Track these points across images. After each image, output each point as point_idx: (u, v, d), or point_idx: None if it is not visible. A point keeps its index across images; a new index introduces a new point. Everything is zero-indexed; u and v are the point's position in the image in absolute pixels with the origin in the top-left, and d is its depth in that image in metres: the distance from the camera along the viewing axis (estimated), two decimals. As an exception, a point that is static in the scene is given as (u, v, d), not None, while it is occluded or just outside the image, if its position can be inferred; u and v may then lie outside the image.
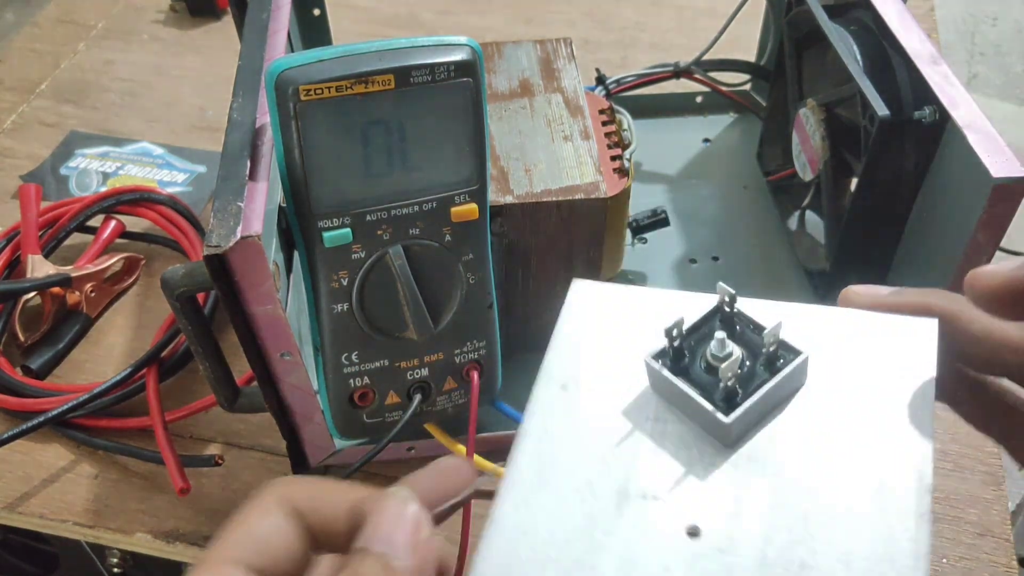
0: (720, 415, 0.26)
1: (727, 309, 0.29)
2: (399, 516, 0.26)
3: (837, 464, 0.26)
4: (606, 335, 0.30)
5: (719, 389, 0.27)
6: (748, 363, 0.28)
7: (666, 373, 0.27)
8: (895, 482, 0.25)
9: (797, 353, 0.27)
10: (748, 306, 0.29)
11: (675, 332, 0.28)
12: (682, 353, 0.28)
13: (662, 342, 0.28)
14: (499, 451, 0.51)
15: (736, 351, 0.27)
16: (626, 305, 0.30)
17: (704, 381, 0.27)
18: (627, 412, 0.28)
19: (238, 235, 0.37)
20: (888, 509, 0.25)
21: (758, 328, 0.28)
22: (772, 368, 0.27)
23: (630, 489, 0.26)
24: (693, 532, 0.25)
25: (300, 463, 0.50)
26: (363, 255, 0.41)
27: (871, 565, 0.23)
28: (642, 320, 0.30)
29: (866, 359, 0.28)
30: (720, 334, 0.28)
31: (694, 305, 0.29)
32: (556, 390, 0.28)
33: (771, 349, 0.27)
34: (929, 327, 0.28)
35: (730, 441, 0.27)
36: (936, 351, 0.28)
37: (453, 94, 0.39)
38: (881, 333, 0.29)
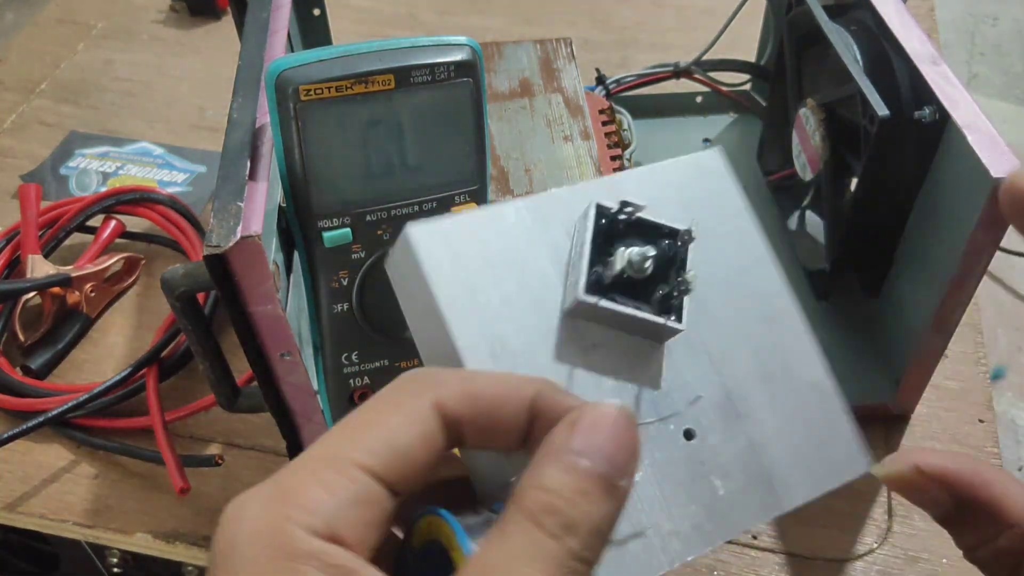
0: (673, 323, 0.30)
1: (621, 217, 0.30)
2: (626, 433, 0.23)
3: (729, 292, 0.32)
4: (485, 279, 0.29)
5: (654, 299, 0.30)
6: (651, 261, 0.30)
7: (608, 304, 0.29)
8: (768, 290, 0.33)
9: (688, 234, 0.30)
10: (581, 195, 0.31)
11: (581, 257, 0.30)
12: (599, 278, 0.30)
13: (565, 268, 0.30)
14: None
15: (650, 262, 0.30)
16: (479, 238, 0.30)
17: (633, 294, 0.30)
18: (560, 355, 0.29)
19: (238, 235, 0.37)
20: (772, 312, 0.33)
21: (649, 228, 0.30)
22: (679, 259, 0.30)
23: None
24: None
25: (300, 463, 0.50)
26: (363, 255, 0.41)
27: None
28: (507, 247, 0.30)
29: (686, 202, 0.33)
30: (636, 249, 0.29)
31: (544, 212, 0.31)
32: (487, 361, 0.28)
33: (679, 245, 0.30)
34: (711, 155, 0.34)
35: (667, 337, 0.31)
36: (726, 171, 0.34)
37: (453, 94, 0.39)
38: (684, 178, 0.33)
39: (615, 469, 0.22)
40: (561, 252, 0.30)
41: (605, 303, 0.29)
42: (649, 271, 0.29)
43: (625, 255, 0.29)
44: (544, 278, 0.30)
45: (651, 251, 0.29)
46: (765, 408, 0.32)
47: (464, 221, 0.29)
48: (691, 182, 0.34)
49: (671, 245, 0.30)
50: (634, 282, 0.29)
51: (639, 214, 0.30)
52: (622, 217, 0.30)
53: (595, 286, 0.29)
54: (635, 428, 0.24)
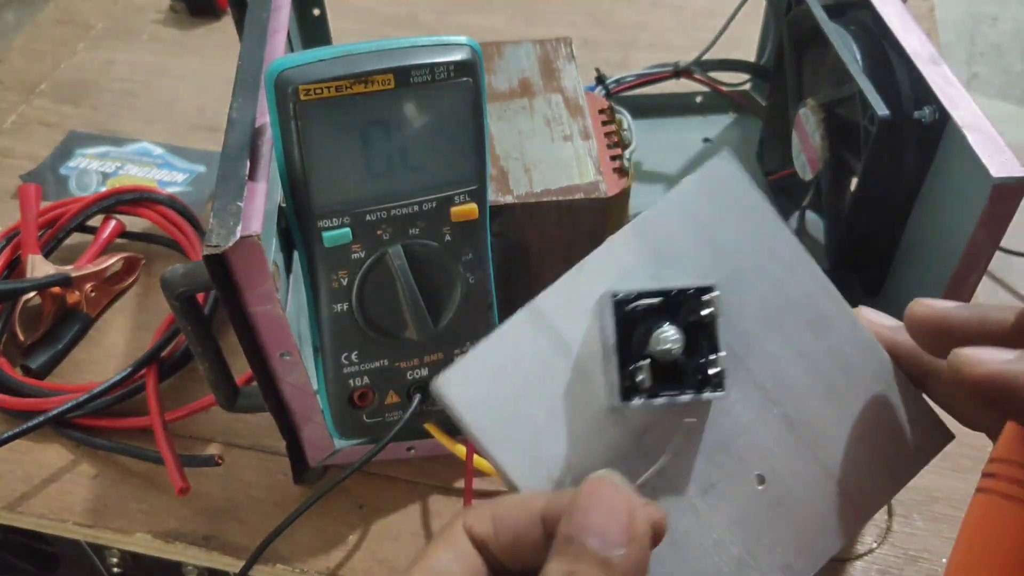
0: (716, 394, 0.30)
1: (640, 308, 0.31)
2: (613, 502, 0.24)
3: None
4: (521, 404, 0.31)
5: (689, 380, 0.30)
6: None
7: (646, 402, 0.30)
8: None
9: (711, 293, 0.30)
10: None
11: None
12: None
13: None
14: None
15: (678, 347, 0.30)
16: (500, 364, 0.31)
17: (669, 376, 0.30)
18: (615, 453, 0.31)
19: (238, 235, 0.37)
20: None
21: (671, 301, 0.31)
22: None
23: None
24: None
25: (300, 463, 0.50)
26: (363, 255, 0.41)
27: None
28: (528, 364, 0.31)
29: (709, 232, 0.32)
30: (662, 340, 0.30)
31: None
32: (545, 483, 0.30)
33: (704, 315, 0.31)
34: (722, 163, 0.33)
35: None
36: (742, 176, 0.33)
37: (453, 94, 0.39)
38: (699, 204, 0.32)
39: (606, 539, 0.23)
40: (584, 345, 0.31)
41: (642, 403, 0.30)
42: (680, 352, 0.30)
43: (653, 350, 0.30)
44: (575, 380, 0.30)
45: (675, 338, 0.30)
46: (832, 424, 0.33)
47: (479, 355, 0.30)
48: (708, 203, 0.32)
49: (695, 314, 0.30)
50: (667, 364, 0.30)
51: (657, 286, 0.30)
52: (641, 307, 0.30)
53: (631, 390, 0.30)
54: (623, 492, 0.24)
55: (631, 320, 0.30)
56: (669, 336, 0.30)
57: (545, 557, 0.24)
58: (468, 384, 0.29)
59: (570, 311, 0.31)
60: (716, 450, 0.31)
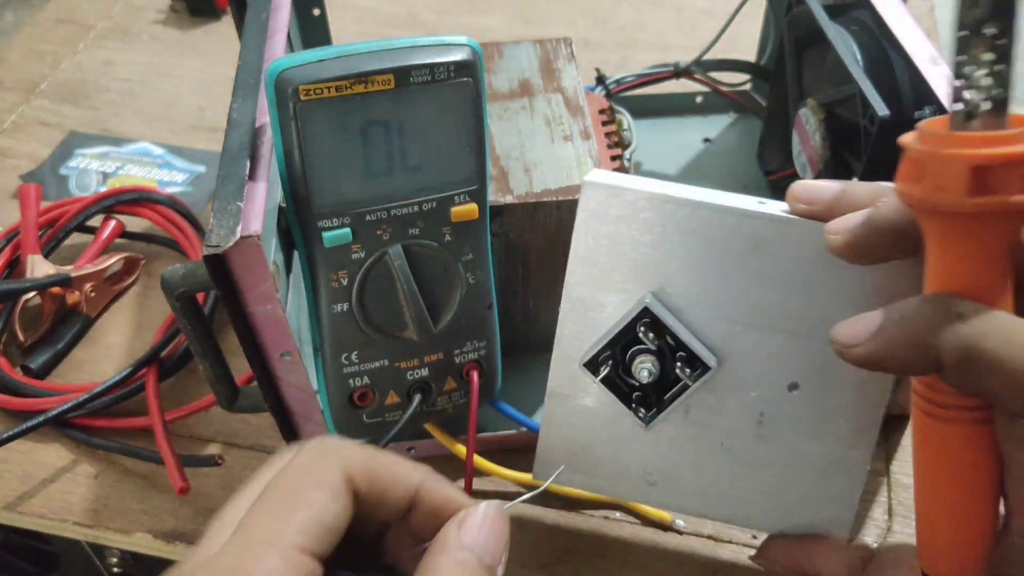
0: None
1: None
2: (501, 528, 0.29)
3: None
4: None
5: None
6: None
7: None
8: None
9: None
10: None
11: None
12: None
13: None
14: (499, 451, 0.51)
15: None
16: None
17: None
18: None
19: (237, 235, 0.37)
20: None
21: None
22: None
23: None
24: None
25: (300, 463, 0.50)
26: (363, 255, 0.41)
27: None
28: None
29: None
30: (640, 362, 0.39)
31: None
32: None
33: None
34: (587, 191, 0.38)
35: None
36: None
37: (453, 94, 0.39)
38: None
39: (494, 558, 0.28)
40: (598, 398, 0.41)
41: (659, 417, 0.40)
42: (656, 368, 0.39)
43: (639, 382, 0.39)
44: (614, 420, 0.41)
45: (645, 364, 0.39)
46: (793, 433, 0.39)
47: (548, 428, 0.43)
48: (602, 225, 0.38)
49: (644, 330, 0.39)
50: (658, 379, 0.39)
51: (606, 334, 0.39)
52: (604, 358, 0.40)
53: (645, 417, 0.41)
54: (507, 521, 0.29)
55: (608, 379, 0.39)
56: (642, 364, 0.38)
57: (389, 519, 0.29)
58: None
59: (572, 383, 0.41)
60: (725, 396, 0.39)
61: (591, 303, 0.39)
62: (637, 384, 0.39)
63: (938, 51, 0.49)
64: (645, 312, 0.38)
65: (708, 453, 0.40)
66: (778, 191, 0.68)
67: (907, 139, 0.30)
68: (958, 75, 0.28)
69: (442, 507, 0.30)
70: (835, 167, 0.55)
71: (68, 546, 0.56)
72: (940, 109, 0.46)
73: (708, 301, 0.38)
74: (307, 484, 0.27)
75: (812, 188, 0.35)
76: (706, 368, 0.38)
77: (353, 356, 0.44)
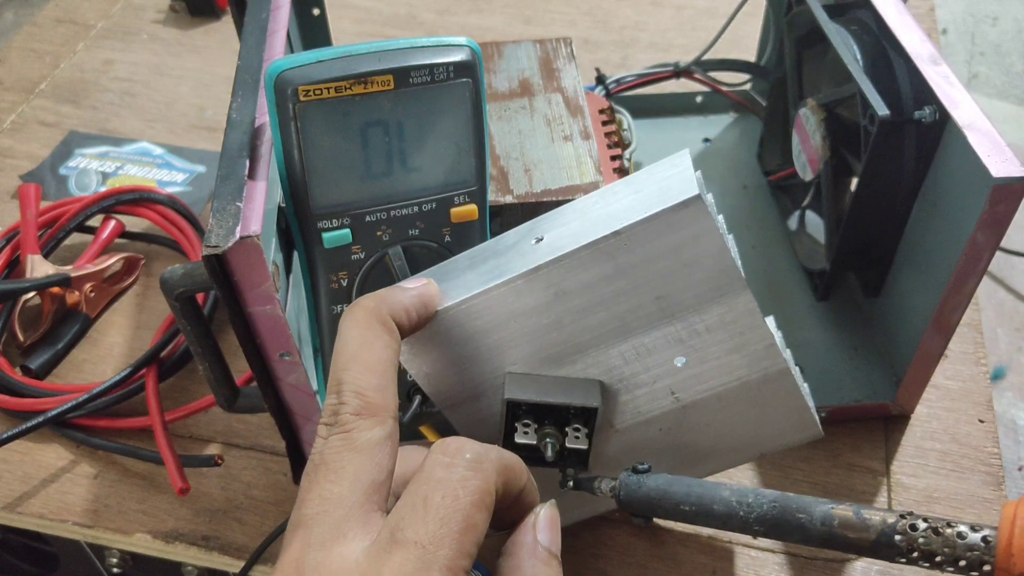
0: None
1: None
2: (558, 522, 0.33)
3: None
4: None
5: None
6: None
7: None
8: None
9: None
10: None
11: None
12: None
13: None
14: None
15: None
16: None
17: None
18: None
19: (237, 235, 0.37)
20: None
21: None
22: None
23: None
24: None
25: (300, 463, 0.50)
26: (363, 256, 0.41)
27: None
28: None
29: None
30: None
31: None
32: None
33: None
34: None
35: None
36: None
37: (452, 94, 0.39)
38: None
39: (559, 548, 0.32)
40: None
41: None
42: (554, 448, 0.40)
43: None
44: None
45: (549, 442, 0.40)
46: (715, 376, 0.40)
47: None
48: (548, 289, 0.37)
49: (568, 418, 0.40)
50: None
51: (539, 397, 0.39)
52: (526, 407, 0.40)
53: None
54: (559, 514, 0.33)
55: (533, 461, 0.38)
56: (543, 443, 0.39)
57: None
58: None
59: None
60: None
61: (475, 414, 0.41)
62: (553, 459, 0.40)
63: (938, 51, 0.49)
64: (510, 405, 0.39)
65: (656, 441, 0.42)
66: (778, 191, 0.68)
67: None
68: None
69: (529, 505, 0.33)
70: (835, 167, 0.55)
71: (68, 546, 0.56)
72: (940, 109, 0.46)
73: (557, 351, 0.38)
74: (472, 503, 0.28)
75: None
76: (593, 411, 0.39)
77: (353, 356, 0.44)
